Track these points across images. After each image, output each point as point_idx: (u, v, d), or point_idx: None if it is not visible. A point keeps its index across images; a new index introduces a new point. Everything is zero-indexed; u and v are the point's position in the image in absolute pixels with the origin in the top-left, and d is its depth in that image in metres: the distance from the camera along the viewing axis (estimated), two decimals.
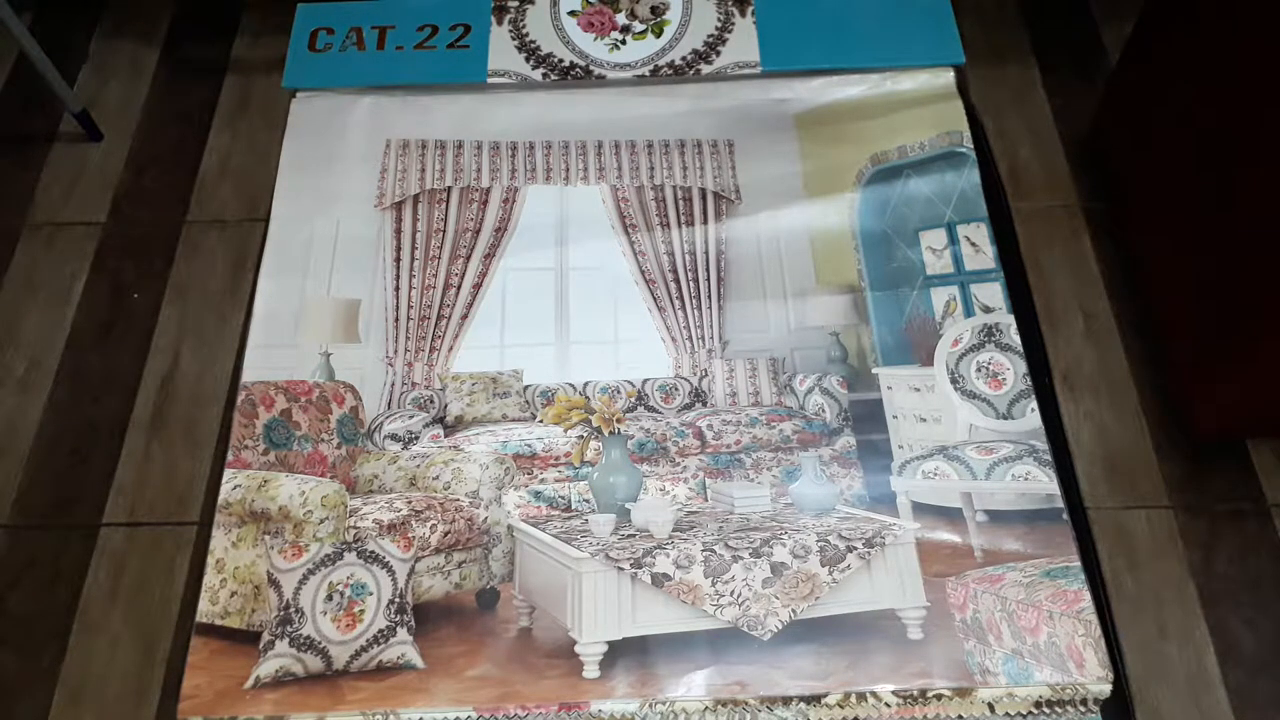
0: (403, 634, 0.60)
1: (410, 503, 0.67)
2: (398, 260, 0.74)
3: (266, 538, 0.62)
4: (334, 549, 0.61)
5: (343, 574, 0.61)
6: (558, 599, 0.62)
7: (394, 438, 0.67)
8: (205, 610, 0.62)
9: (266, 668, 0.59)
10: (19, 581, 1.47)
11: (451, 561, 0.68)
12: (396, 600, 0.61)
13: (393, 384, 0.69)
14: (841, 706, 0.56)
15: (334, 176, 0.78)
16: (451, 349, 0.70)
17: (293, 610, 0.60)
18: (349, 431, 0.68)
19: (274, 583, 0.60)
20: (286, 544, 0.61)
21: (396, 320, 0.71)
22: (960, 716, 0.57)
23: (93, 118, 1.89)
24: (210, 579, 0.63)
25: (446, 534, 0.67)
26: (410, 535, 0.63)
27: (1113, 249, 1.69)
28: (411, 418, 0.68)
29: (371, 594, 0.61)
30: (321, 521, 0.64)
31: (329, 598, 0.60)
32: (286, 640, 0.59)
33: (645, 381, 0.68)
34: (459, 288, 0.72)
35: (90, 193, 1.85)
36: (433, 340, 0.70)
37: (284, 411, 0.67)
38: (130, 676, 1.38)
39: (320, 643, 0.59)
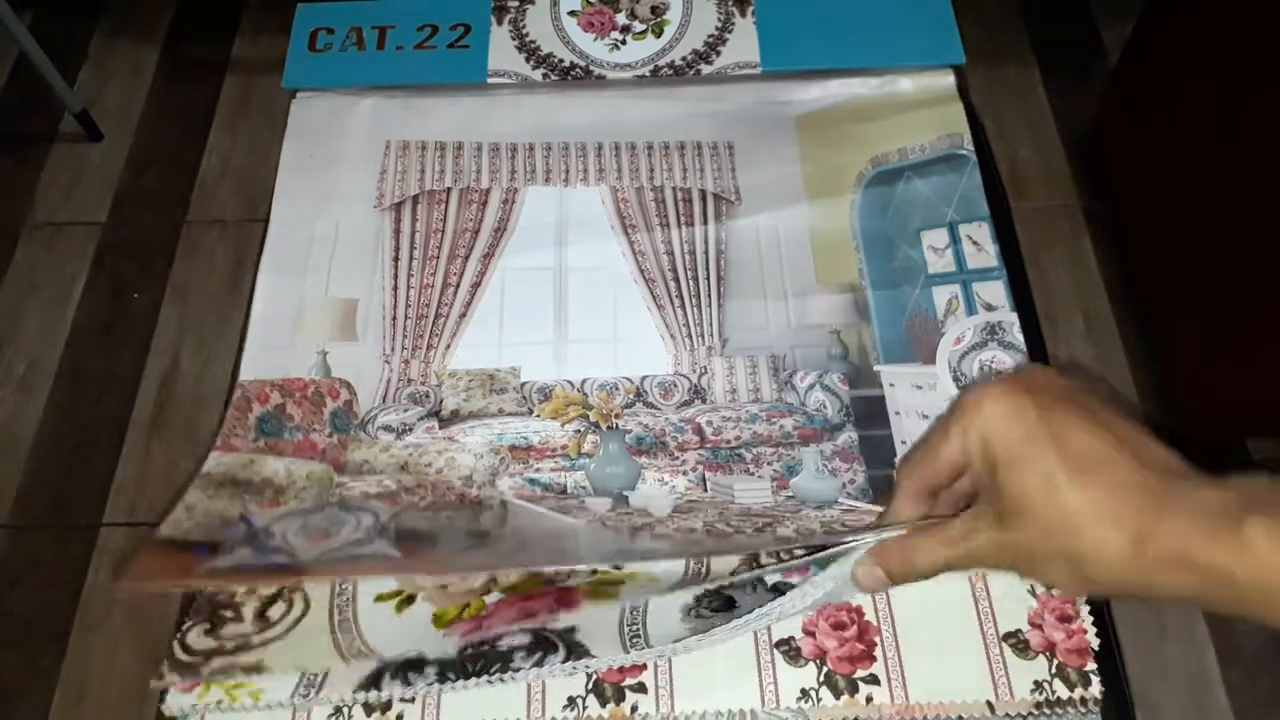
0: None
1: (400, 482, 0.66)
2: (396, 259, 0.74)
3: (245, 497, 0.61)
4: (315, 505, 0.60)
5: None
6: None
7: (388, 429, 0.67)
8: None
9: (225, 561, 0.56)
10: (19, 581, 1.47)
11: None
12: None
13: (388, 380, 0.69)
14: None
15: (334, 177, 0.78)
16: (449, 347, 0.70)
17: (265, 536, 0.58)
18: (342, 422, 0.68)
19: (245, 519, 0.59)
20: (264, 500, 0.60)
21: (394, 319, 0.71)
22: (960, 717, 0.57)
23: (93, 118, 1.89)
24: (179, 514, 0.60)
25: (434, 502, 0.66)
26: (399, 500, 0.63)
27: (1113, 249, 1.69)
28: (406, 411, 0.68)
29: None
30: (304, 489, 0.63)
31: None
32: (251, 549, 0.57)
33: (644, 379, 0.68)
34: (457, 287, 0.72)
35: (90, 193, 1.85)
36: (430, 338, 0.70)
37: (278, 406, 0.67)
38: (130, 676, 1.38)
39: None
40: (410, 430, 0.67)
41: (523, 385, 0.68)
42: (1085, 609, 0.57)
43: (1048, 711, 0.56)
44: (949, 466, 0.48)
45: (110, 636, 1.41)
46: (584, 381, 0.68)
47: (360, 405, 0.68)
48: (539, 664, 0.53)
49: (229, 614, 0.58)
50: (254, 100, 1.95)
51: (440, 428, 0.67)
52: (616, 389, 0.68)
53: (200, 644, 0.56)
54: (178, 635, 0.57)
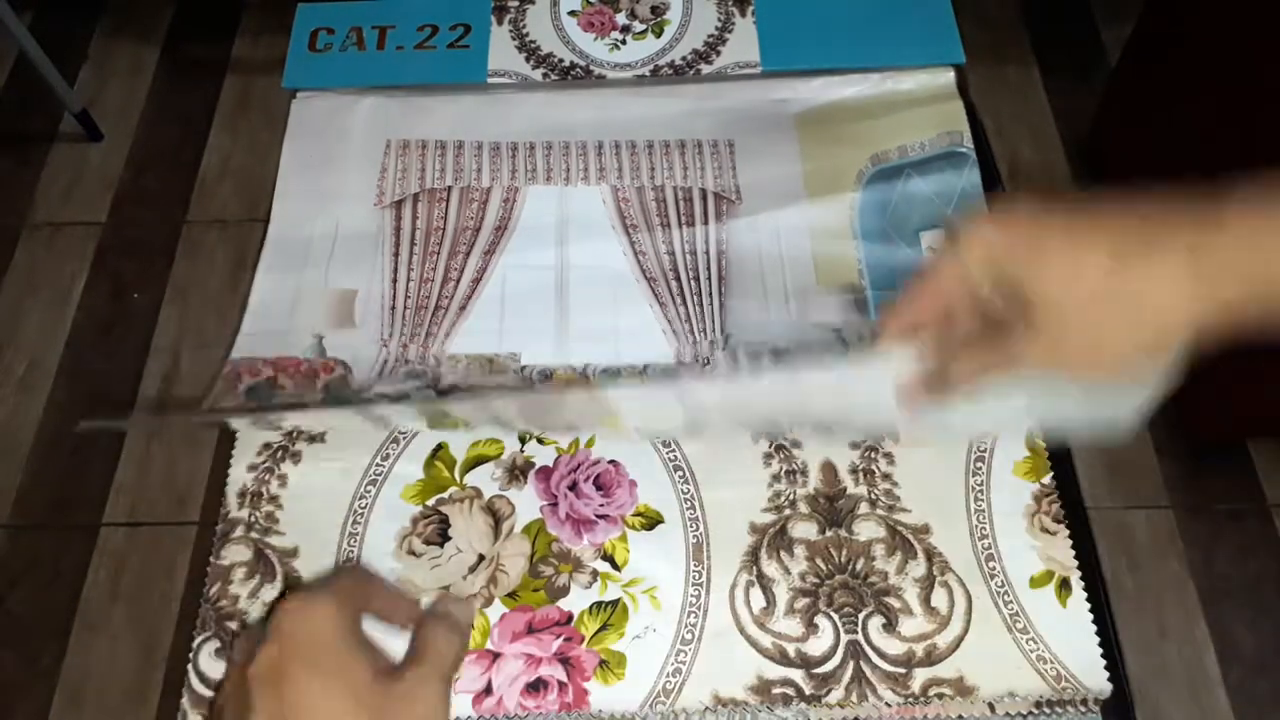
0: None
1: None
2: (395, 254, 0.73)
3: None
4: None
5: None
6: None
7: (383, 396, 0.67)
8: None
9: None
10: (19, 581, 1.47)
11: None
12: None
13: (385, 360, 0.68)
14: (842, 706, 0.56)
15: (334, 176, 0.78)
16: (449, 335, 0.70)
17: None
18: (336, 390, 0.68)
19: None
20: None
21: (393, 308, 0.71)
22: (960, 716, 0.57)
23: (93, 118, 1.89)
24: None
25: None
26: None
27: None
28: (403, 383, 0.68)
29: None
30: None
31: None
32: None
33: (646, 367, 0.68)
34: (458, 281, 0.72)
35: (90, 193, 1.85)
36: (429, 328, 0.70)
37: (270, 378, 0.67)
38: (130, 676, 1.38)
39: None
40: (407, 397, 0.67)
41: (523, 369, 0.68)
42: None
43: (1048, 711, 0.56)
44: (939, 301, 0.46)
45: (110, 636, 1.41)
46: (586, 366, 0.68)
47: (356, 379, 0.68)
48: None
49: (235, 626, 0.58)
50: (254, 100, 1.95)
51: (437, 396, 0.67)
52: (619, 373, 0.67)
53: (215, 671, 0.57)
54: (190, 659, 0.57)
